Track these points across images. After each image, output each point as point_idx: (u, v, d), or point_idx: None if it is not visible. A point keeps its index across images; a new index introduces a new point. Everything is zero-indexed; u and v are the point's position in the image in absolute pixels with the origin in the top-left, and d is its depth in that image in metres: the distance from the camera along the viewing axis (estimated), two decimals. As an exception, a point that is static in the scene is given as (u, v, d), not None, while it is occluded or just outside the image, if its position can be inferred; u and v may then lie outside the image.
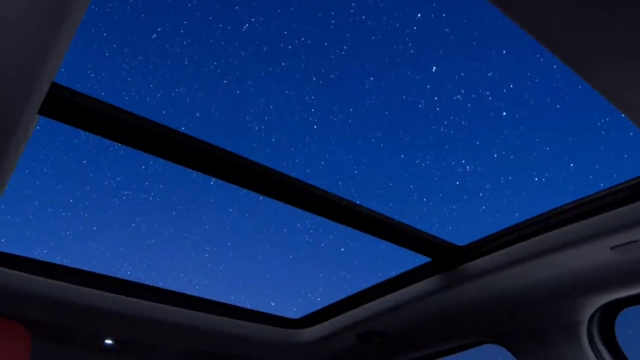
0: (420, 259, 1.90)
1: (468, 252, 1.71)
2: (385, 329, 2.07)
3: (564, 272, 1.55)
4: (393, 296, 1.92)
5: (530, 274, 1.60)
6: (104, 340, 2.04)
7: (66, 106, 1.09)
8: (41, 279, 1.74)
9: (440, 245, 1.68)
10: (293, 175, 1.44)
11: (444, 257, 1.72)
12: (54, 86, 1.06)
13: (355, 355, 2.31)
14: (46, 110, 1.09)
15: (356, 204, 1.52)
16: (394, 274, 1.95)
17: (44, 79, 0.98)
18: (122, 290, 1.89)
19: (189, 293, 2.09)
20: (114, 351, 2.12)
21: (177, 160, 1.30)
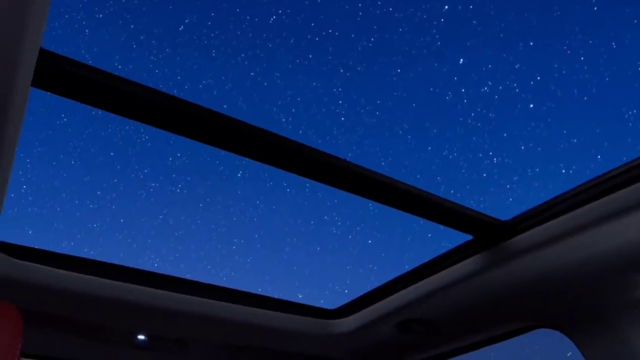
0: (455, 240, 1.76)
1: (513, 226, 1.56)
2: (426, 316, 1.93)
3: (626, 241, 1.38)
4: (433, 280, 1.79)
5: (586, 245, 1.43)
6: (136, 336, 1.99)
7: (60, 75, 1.02)
8: (71, 273, 1.70)
9: (482, 221, 1.53)
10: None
11: (487, 233, 1.57)
12: (45, 54, 0.99)
13: (395, 346, 2.19)
14: (40, 81, 1.02)
15: (394, 179, 1.40)
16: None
17: (27, 45, 0.91)
18: (153, 284, 1.84)
19: (221, 285, 2.02)
20: (146, 347, 2.08)
21: (193, 134, 1.22)
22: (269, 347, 2.18)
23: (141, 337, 2.00)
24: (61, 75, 1.01)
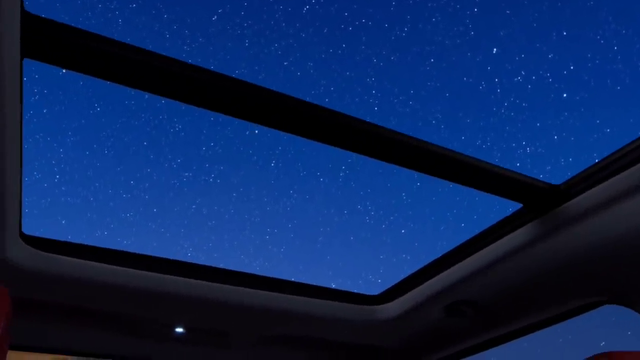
0: (493, 220, 1.62)
1: (567, 189, 1.41)
2: (476, 297, 1.80)
3: None
4: (481, 256, 1.65)
5: None
6: (174, 328, 1.96)
7: (52, 42, 0.95)
8: (104, 265, 1.68)
9: (533, 185, 1.39)
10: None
11: (538, 199, 1.43)
12: (30, 19, 0.92)
13: (444, 331, 2.06)
14: (31, 50, 0.96)
15: (441, 146, 1.29)
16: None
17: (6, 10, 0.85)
18: (191, 274, 1.78)
19: (259, 274, 1.95)
20: (185, 340, 2.04)
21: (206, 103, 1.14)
22: (312, 336, 2.10)
23: (179, 329, 1.96)
24: (53, 42, 0.94)
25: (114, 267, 1.68)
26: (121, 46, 0.98)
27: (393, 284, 2.05)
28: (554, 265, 1.54)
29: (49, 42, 0.94)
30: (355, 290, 2.08)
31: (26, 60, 1.02)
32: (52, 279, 1.62)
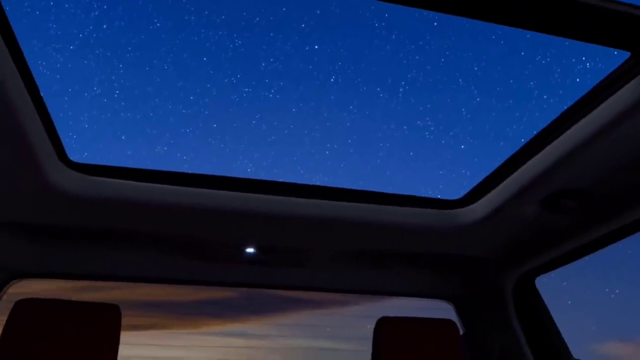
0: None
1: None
2: (579, 184, 1.50)
3: None
4: (582, 129, 1.34)
5: None
6: (245, 249, 1.88)
7: None
8: (166, 186, 1.60)
9: None
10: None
11: None
12: None
13: (541, 232, 1.79)
14: None
15: None
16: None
17: None
18: (257, 190, 1.65)
19: (327, 185, 1.78)
20: (256, 261, 1.96)
21: None
22: (390, 248, 1.93)
23: (250, 250, 1.89)
24: None
25: (177, 187, 1.60)
26: None
27: (475, 184, 1.80)
28: None
29: None
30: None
31: None
32: (113, 205, 1.59)
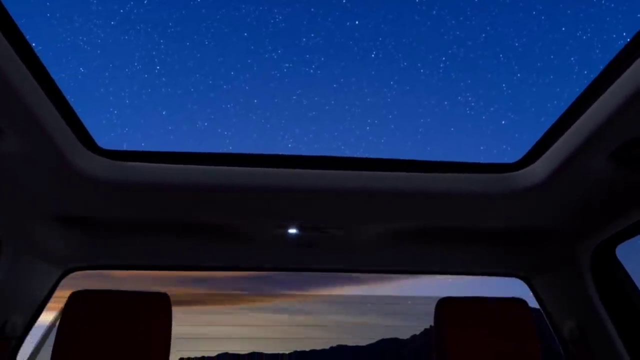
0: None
1: None
2: None
3: None
4: None
5: None
6: (287, 229, 1.82)
7: None
8: (207, 167, 1.55)
9: None
10: None
11: None
12: None
13: (613, 194, 1.56)
14: None
15: None
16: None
17: None
18: (297, 165, 1.56)
19: (369, 156, 1.65)
20: (298, 242, 1.89)
21: None
22: (447, 220, 1.77)
23: (294, 230, 1.82)
24: None
25: (212, 167, 1.55)
26: None
27: (533, 144, 1.61)
28: None
29: None
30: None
31: None
32: (149, 189, 1.58)
